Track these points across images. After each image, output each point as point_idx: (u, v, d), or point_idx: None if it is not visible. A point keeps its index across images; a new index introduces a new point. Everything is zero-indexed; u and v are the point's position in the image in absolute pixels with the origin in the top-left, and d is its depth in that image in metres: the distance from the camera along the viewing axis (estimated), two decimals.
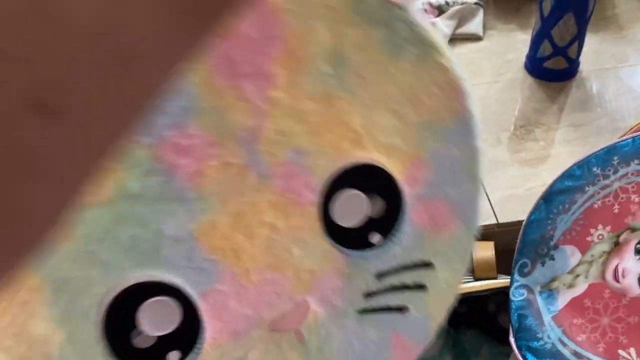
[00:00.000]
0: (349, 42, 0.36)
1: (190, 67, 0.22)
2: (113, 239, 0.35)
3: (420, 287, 0.43)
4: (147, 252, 0.36)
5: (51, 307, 0.35)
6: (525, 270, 0.52)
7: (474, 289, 0.57)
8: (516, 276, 0.52)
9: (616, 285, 0.51)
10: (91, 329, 0.36)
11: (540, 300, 0.52)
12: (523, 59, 0.80)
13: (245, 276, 0.38)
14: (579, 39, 0.72)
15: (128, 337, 0.37)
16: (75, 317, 0.35)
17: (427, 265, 0.43)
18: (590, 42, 0.77)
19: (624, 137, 0.50)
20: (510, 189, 0.67)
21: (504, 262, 0.57)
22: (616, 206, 0.50)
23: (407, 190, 0.41)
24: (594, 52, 0.80)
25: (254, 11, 0.33)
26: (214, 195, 0.36)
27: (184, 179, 0.35)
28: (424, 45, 0.37)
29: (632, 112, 0.72)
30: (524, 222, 0.52)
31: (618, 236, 0.51)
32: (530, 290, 0.52)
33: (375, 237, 0.41)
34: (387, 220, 0.41)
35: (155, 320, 0.37)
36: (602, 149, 0.50)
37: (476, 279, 0.57)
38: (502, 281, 0.55)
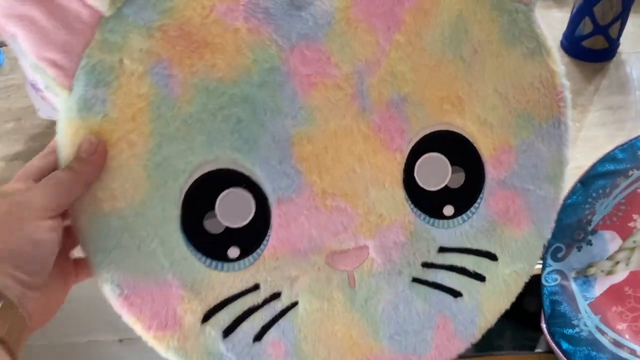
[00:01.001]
0: (474, 18, 0.40)
1: None
2: (223, 116, 0.39)
3: (479, 277, 0.44)
4: (247, 140, 0.39)
5: (150, 157, 0.38)
6: (560, 255, 0.51)
7: None
8: (549, 261, 0.51)
9: None
10: (175, 192, 0.39)
11: (575, 287, 0.51)
12: (559, 37, 0.77)
13: (321, 197, 0.41)
14: (622, 18, 0.71)
15: (202, 216, 0.40)
16: (166, 174, 0.39)
17: (491, 256, 0.44)
18: (633, 22, 0.75)
19: None
20: None
21: None
22: None
23: (490, 171, 0.43)
24: (634, 34, 0.78)
25: None
26: (318, 110, 0.39)
27: (298, 86, 0.39)
28: (538, 43, 0.41)
29: None
30: None
31: None
32: (564, 275, 0.51)
33: (448, 209, 0.43)
34: (465, 195, 0.43)
35: (230, 210, 0.40)
36: None
37: None
38: None
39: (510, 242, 0.44)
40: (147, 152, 0.38)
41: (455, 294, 0.44)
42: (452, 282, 0.44)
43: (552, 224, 0.44)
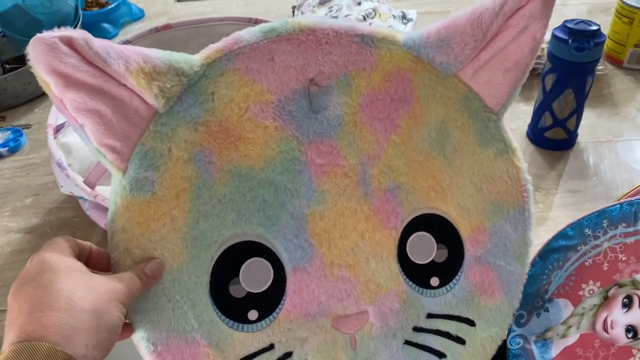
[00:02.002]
0: (455, 124, 0.47)
1: (346, 102, 0.44)
2: (252, 197, 0.45)
3: (461, 340, 0.50)
4: (269, 217, 0.44)
5: (189, 231, 0.44)
6: (522, 321, 0.56)
7: None
8: (513, 326, 0.56)
9: (605, 335, 0.55)
10: (207, 260, 0.44)
11: (535, 349, 0.56)
12: (525, 128, 0.86)
13: (329, 267, 0.46)
14: (578, 113, 0.78)
15: (228, 282, 0.45)
16: (200, 245, 0.44)
17: (470, 322, 0.50)
18: (588, 116, 0.84)
19: (613, 203, 0.55)
20: None
21: None
22: (605, 264, 0.54)
23: (469, 248, 0.49)
24: (591, 125, 0.87)
25: (400, 81, 0.45)
26: (329, 194, 0.45)
27: (314, 173, 0.46)
28: (505, 144, 0.48)
29: (625, 183, 0.77)
30: None
31: (607, 291, 0.55)
32: (526, 339, 0.56)
33: (434, 280, 0.49)
34: (448, 268, 0.49)
35: (252, 277, 0.45)
36: (593, 213, 0.55)
37: None
38: None
39: (485, 310, 0.50)
40: (185, 226, 0.43)
41: (440, 355, 0.49)
42: (438, 345, 0.49)
43: (520, 295, 0.50)
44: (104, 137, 0.40)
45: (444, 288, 0.49)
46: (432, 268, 0.48)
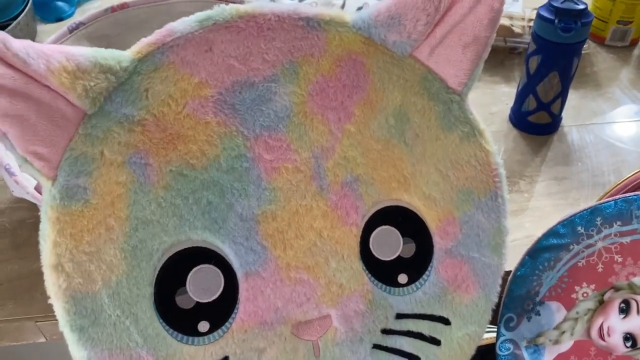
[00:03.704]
0: (414, 108, 0.45)
1: (294, 92, 0.42)
2: (195, 200, 0.43)
3: (435, 341, 0.48)
4: (216, 219, 0.43)
5: (127, 240, 0.42)
6: (512, 324, 0.54)
7: None
8: (502, 330, 0.54)
9: (602, 343, 0.53)
10: (149, 271, 0.42)
11: (526, 355, 0.54)
12: (507, 111, 0.84)
13: (285, 270, 0.44)
14: (562, 96, 0.77)
15: (174, 292, 0.43)
16: (141, 255, 0.42)
17: (444, 321, 0.48)
18: (572, 97, 0.84)
19: (607, 199, 0.52)
20: None
21: None
22: (600, 265, 0.52)
23: (438, 241, 0.47)
24: (575, 107, 0.85)
25: (351, 66, 0.44)
26: (281, 191, 0.44)
27: (263, 170, 0.44)
28: (471, 127, 0.46)
29: (611, 168, 0.76)
30: (509, 278, 0.54)
31: (602, 294, 0.53)
32: (516, 345, 0.54)
33: (402, 277, 0.47)
34: (416, 264, 0.47)
35: (200, 286, 0.43)
36: (586, 209, 0.52)
37: None
38: (488, 336, 0.56)
39: (460, 307, 0.48)
40: (123, 235, 0.41)
41: (414, 358, 0.47)
42: (410, 347, 0.47)
43: (498, 288, 0.49)
44: (29, 144, 0.39)
45: (413, 285, 0.47)
46: (399, 264, 0.47)
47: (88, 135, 0.40)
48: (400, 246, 0.46)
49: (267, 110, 0.43)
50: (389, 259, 0.46)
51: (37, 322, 0.64)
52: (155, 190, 0.42)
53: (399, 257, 0.46)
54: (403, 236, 0.46)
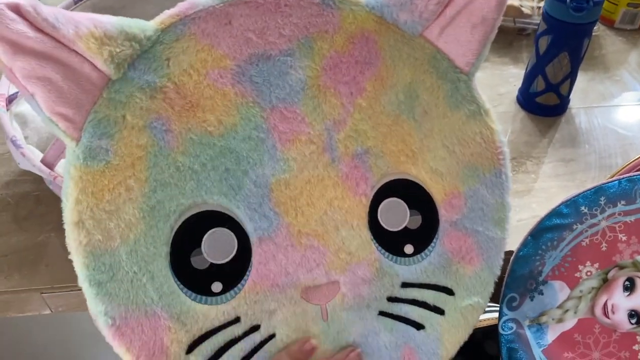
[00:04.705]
0: (423, 85, 0.47)
1: (308, 66, 0.44)
2: (213, 166, 0.45)
3: (439, 310, 0.49)
4: (232, 186, 0.45)
5: (145, 200, 0.44)
6: (514, 304, 0.55)
7: None
8: (505, 310, 0.55)
9: (606, 320, 0.53)
10: (166, 231, 0.44)
11: (529, 334, 0.54)
12: (515, 92, 0.83)
13: (296, 236, 0.46)
14: (572, 77, 0.77)
15: (189, 253, 0.45)
16: (158, 216, 0.44)
17: (448, 291, 0.49)
18: (580, 80, 0.85)
19: (611, 179, 0.52)
20: None
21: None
22: (604, 244, 0.53)
23: (443, 214, 0.49)
24: (583, 90, 0.85)
25: (364, 43, 0.46)
26: (295, 161, 0.46)
27: (277, 140, 0.46)
28: (478, 105, 0.48)
29: (619, 151, 0.76)
30: (512, 258, 0.54)
31: (606, 273, 0.53)
32: (519, 324, 0.55)
33: (408, 248, 0.49)
34: (422, 235, 0.49)
35: (214, 248, 0.45)
36: (590, 189, 0.53)
37: None
38: (491, 316, 0.57)
39: (464, 278, 0.50)
40: (142, 195, 0.43)
41: (418, 326, 0.49)
42: (414, 315, 0.49)
43: (501, 262, 0.51)
44: (56, 105, 0.41)
45: (419, 255, 0.49)
46: (406, 235, 0.49)
47: (111, 99, 0.42)
48: (407, 218, 0.48)
49: (283, 83, 0.45)
50: (396, 229, 0.48)
51: (43, 293, 0.65)
52: (174, 155, 0.44)
53: (405, 228, 0.48)
54: (410, 208, 0.48)
